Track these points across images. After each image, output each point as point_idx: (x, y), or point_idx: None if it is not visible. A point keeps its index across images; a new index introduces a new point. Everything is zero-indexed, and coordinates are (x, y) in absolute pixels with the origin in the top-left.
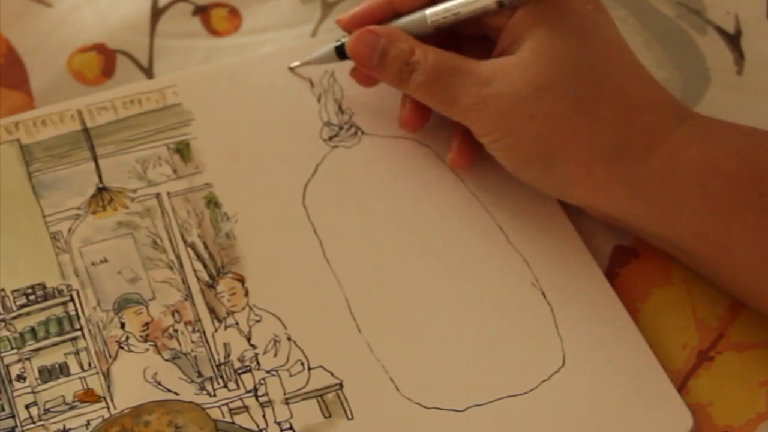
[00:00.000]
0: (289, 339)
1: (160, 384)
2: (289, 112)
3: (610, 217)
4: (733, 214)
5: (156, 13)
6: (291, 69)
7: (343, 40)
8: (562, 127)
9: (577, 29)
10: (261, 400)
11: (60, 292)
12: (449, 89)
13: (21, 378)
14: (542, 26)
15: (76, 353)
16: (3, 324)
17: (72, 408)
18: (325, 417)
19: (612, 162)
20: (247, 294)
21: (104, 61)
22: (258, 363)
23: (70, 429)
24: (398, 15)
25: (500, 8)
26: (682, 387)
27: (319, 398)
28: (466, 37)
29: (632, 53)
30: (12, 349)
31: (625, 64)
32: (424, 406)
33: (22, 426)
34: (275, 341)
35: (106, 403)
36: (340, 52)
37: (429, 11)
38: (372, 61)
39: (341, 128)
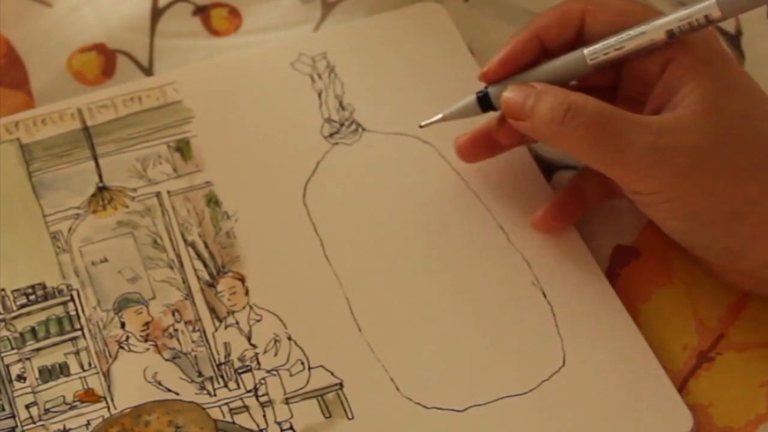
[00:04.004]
0: (289, 338)
1: (160, 384)
2: (289, 108)
3: None
4: None
5: (156, 13)
6: (421, 127)
7: (487, 90)
8: (747, 183)
9: (730, 78)
10: (261, 399)
11: (60, 291)
12: (617, 136)
13: (21, 378)
14: (704, 77)
15: (76, 353)
16: (3, 324)
17: (72, 408)
18: (326, 417)
19: None
20: (247, 293)
21: (104, 61)
22: (258, 362)
23: (70, 429)
24: (546, 50)
25: (669, 39)
26: (682, 387)
27: (320, 398)
28: (585, 88)
29: (762, 91)
30: (12, 349)
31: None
32: (425, 406)
33: (22, 426)
34: (275, 341)
35: (107, 403)
36: (484, 104)
37: (588, 49)
38: (524, 109)
39: (342, 125)
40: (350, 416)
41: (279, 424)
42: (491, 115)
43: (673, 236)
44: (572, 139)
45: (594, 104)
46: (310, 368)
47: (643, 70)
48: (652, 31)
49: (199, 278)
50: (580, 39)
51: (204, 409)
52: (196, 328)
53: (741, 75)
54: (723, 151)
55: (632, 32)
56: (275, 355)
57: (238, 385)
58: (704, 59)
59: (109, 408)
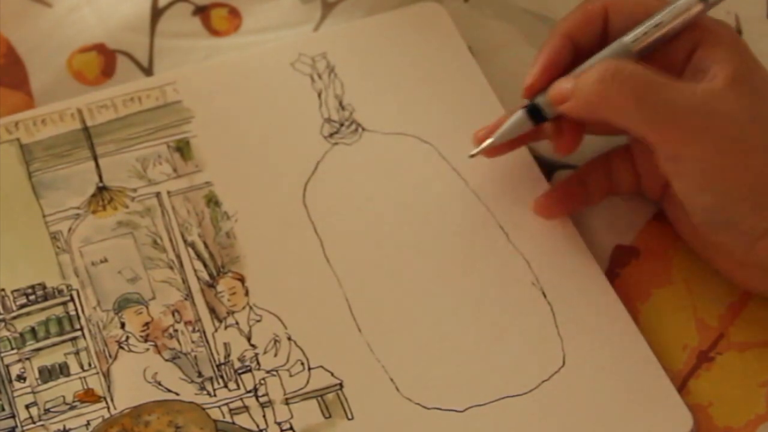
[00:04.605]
0: (289, 339)
1: (160, 384)
2: (289, 108)
3: None
4: None
5: (156, 13)
6: (471, 156)
7: (534, 101)
8: None
9: (753, 60)
10: (261, 400)
11: (60, 292)
12: (665, 96)
13: (21, 378)
14: (733, 55)
15: (76, 353)
16: (3, 324)
17: (72, 408)
18: (325, 417)
19: None
20: (247, 293)
21: (104, 61)
22: (258, 363)
23: (70, 429)
24: (579, 52)
25: (706, 6)
26: (682, 387)
27: (319, 398)
28: None
29: None
30: (12, 349)
31: None
32: (425, 407)
33: (22, 426)
34: (275, 341)
35: (106, 403)
36: (534, 114)
37: (628, 36)
38: (569, 87)
39: (342, 125)
40: (350, 416)
41: (279, 424)
42: (509, 113)
43: (696, 212)
44: (619, 100)
45: (641, 67)
46: (310, 368)
47: (670, 57)
48: (686, 2)
49: (199, 278)
50: (606, 35)
51: (204, 409)
52: (196, 328)
53: (757, 60)
54: (760, 125)
55: (669, 8)
56: (275, 355)
57: (238, 385)
58: (729, 42)
59: (109, 408)
